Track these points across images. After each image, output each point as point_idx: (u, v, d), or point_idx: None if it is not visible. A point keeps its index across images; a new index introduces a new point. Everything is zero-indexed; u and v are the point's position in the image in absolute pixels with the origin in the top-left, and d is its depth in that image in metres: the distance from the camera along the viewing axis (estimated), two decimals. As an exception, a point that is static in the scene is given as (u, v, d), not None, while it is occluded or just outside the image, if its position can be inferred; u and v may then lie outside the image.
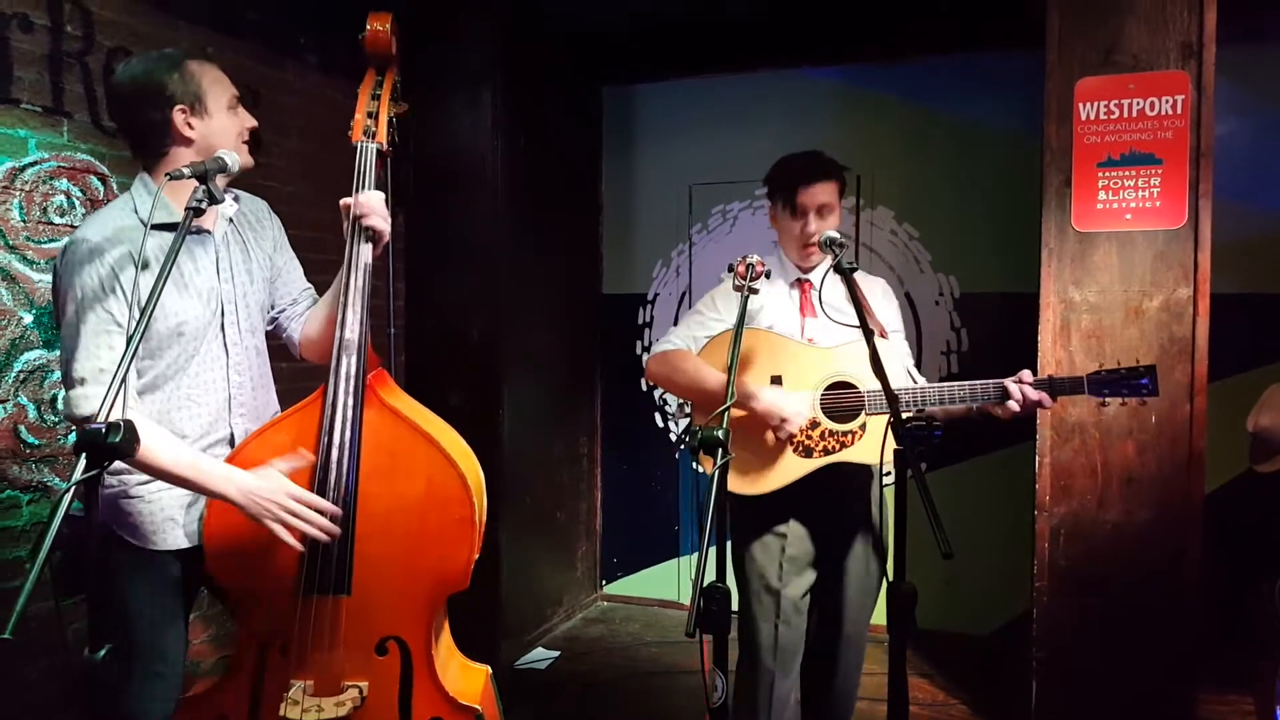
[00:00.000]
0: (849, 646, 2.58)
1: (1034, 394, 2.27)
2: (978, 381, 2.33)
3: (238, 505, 1.77)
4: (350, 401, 1.86)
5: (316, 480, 1.85)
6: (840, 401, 2.40)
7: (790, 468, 2.40)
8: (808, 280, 2.57)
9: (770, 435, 2.39)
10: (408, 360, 4.27)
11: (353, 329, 1.89)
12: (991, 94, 4.27)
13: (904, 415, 2.24)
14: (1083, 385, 2.29)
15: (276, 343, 2.21)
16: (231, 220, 2.05)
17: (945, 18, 4.11)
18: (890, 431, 1.83)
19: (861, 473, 2.50)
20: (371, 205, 1.95)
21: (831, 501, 2.49)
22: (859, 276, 2.60)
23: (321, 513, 1.80)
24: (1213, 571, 3.07)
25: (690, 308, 2.68)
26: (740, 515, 2.51)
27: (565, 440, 4.81)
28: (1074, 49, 3.06)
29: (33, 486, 2.71)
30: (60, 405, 1.86)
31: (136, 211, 1.91)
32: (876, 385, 2.22)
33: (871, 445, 2.36)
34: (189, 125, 1.91)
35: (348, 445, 1.85)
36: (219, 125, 1.94)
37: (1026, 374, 2.30)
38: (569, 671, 4.14)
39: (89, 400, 1.76)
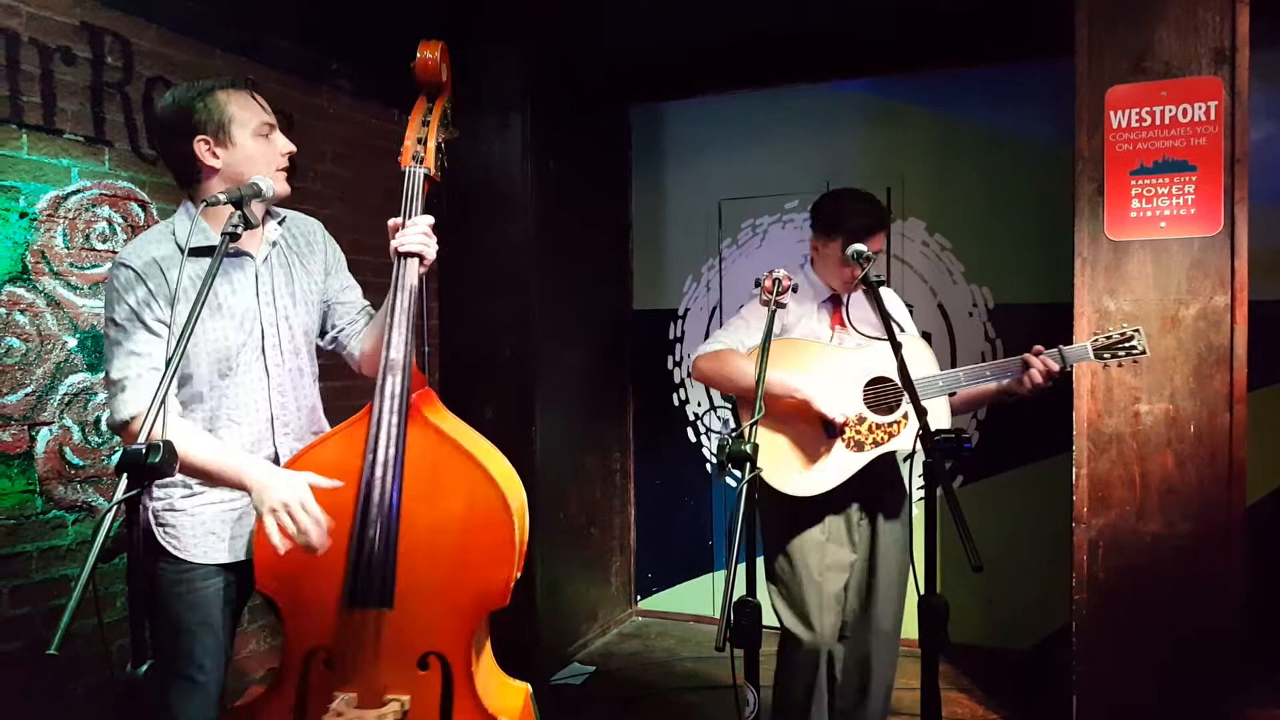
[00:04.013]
0: (880, 642, 2.65)
1: (1053, 363, 2.47)
2: (998, 361, 2.55)
3: (250, 493, 1.81)
4: (395, 420, 1.87)
5: (361, 496, 1.86)
6: (881, 396, 2.52)
7: (845, 463, 2.51)
8: (838, 297, 2.66)
9: (821, 432, 2.51)
10: (442, 378, 4.31)
11: (398, 349, 1.91)
12: (1021, 103, 4.24)
13: (939, 403, 2.50)
14: (1087, 353, 2.52)
15: (336, 360, 2.25)
16: (275, 244, 2.07)
17: (974, 28, 4.10)
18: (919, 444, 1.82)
19: (891, 467, 2.64)
20: (414, 231, 1.97)
21: (868, 494, 2.61)
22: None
23: (315, 524, 1.80)
24: (1256, 584, 3.01)
25: (724, 320, 2.81)
26: (786, 514, 2.60)
27: (598, 456, 4.83)
28: (1104, 57, 3.04)
29: (78, 506, 2.78)
30: (104, 422, 1.92)
31: (174, 235, 1.96)
32: (914, 375, 2.36)
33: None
34: (213, 155, 1.93)
35: (391, 463, 1.86)
36: (245, 154, 1.95)
37: (1039, 348, 2.50)
38: (605, 687, 4.14)
39: (126, 404, 1.84)
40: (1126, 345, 2.50)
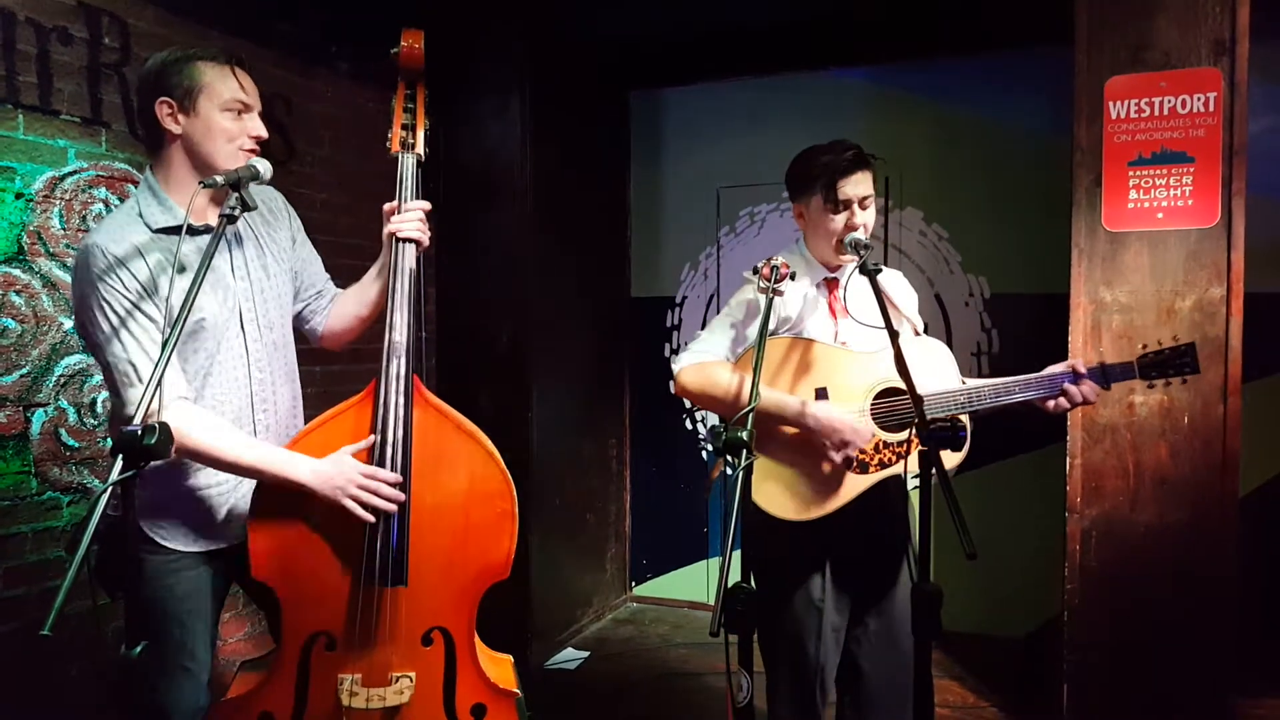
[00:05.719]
0: (901, 668, 2.33)
1: (1090, 392, 2.24)
2: (1030, 376, 2.30)
3: (310, 487, 1.82)
4: (401, 401, 1.92)
5: None
6: (893, 409, 2.26)
7: (847, 486, 2.23)
8: (834, 279, 2.45)
9: (824, 453, 2.20)
10: (439, 363, 4.31)
11: (401, 332, 1.94)
12: (1020, 94, 4.24)
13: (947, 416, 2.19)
14: (1134, 370, 2.27)
15: (296, 334, 2.21)
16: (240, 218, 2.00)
17: (973, 18, 4.09)
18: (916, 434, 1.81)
19: (895, 485, 2.36)
20: (410, 217, 2.00)
21: (873, 519, 2.30)
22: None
23: (387, 483, 1.87)
24: (1249, 575, 3.02)
25: (719, 312, 2.49)
26: (783, 540, 2.28)
27: (595, 443, 4.83)
28: (1103, 47, 3.04)
29: (73, 488, 2.78)
30: (112, 409, 1.88)
31: (141, 215, 1.89)
32: (929, 388, 2.20)
33: None
34: (174, 120, 1.88)
35: (400, 444, 1.91)
36: (206, 125, 1.88)
37: (1079, 364, 2.27)
38: (599, 672, 4.15)
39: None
40: (1178, 363, 2.23)
